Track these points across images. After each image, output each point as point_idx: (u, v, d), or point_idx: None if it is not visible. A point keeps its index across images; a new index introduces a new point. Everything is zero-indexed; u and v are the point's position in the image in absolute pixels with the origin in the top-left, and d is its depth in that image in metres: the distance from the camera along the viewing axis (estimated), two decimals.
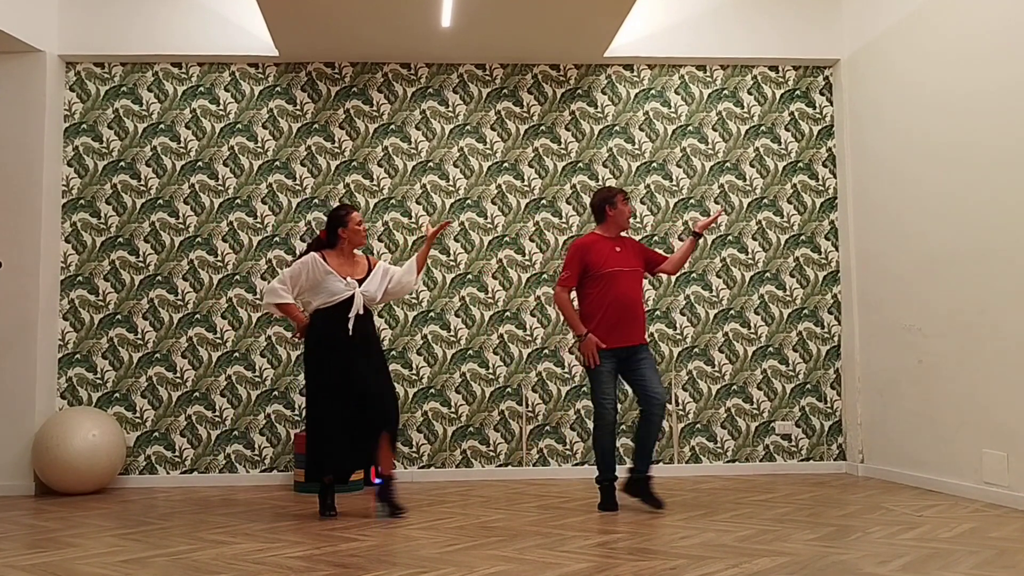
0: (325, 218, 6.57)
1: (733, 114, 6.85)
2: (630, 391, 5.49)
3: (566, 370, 6.61)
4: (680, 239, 6.62)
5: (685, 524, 4.60)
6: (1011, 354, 5.01)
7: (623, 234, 5.29)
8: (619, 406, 5.20)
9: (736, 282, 6.74)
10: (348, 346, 4.90)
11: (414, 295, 6.57)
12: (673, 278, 6.67)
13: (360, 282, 5.00)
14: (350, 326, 4.89)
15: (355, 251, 5.13)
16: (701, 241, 5.38)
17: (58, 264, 6.42)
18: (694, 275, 6.70)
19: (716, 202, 6.76)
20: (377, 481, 5.15)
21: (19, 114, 6.23)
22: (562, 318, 6.10)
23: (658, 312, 6.67)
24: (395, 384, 5.16)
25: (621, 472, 5.17)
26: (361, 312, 4.94)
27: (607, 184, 6.69)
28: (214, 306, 6.49)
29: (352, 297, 4.92)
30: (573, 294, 5.23)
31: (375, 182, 6.66)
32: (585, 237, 5.28)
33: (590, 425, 6.55)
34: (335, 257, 5.03)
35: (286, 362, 6.49)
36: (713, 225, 5.86)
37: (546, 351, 6.61)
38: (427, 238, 5.20)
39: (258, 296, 6.50)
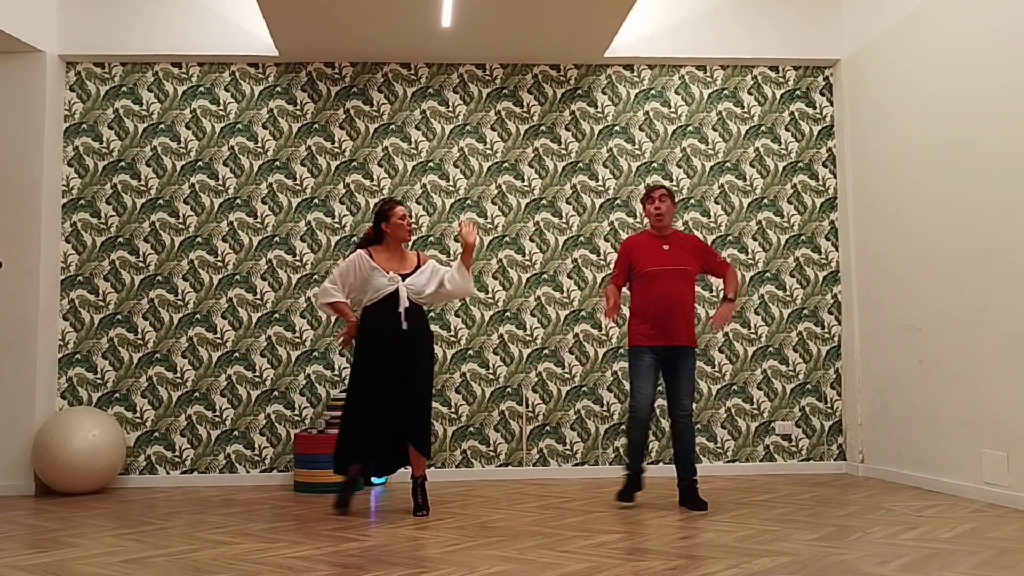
0: (325, 218, 6.60)
1: (733, 114, 6.85)
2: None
3: (566, 370, 6.61)
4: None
5: (685, 524, 4.60)
6: (1011, 354, 5.01)
7: (681, 231, 5.41)
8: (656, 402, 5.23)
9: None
10: (396, 343, 4.90)
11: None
12: None
13: (406, 277, 4.98)
14: (403, 322, 4.89)
15: (403, 246, 5.13)
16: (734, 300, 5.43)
17: (58, 264, 6.42)
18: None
19: (716, 202, 6.76)
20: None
21: (19, 114, 6.23)
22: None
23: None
24: (432, 391, 5.10)
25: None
26: (407, 306, 4.92)
27: (607, 184, 6.70)
28: (214, 306, 6.49)
29: (397, 292, 4.92)
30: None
31: (375, 182, 6.66)
32: (635, 236, 5.44)
33: (590, 425, 6.57)
34: (381, 253, 5.04)
35: (286, 362, 6.49)
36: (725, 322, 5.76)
37: (546, 351, 6.61)
38: (464, 243, 4.97)
39: (258, 296, 6.50)
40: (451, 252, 6.61)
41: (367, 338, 4.96)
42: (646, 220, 5.50)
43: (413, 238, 5.10)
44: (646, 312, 5.12)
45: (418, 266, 5.07)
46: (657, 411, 6.57)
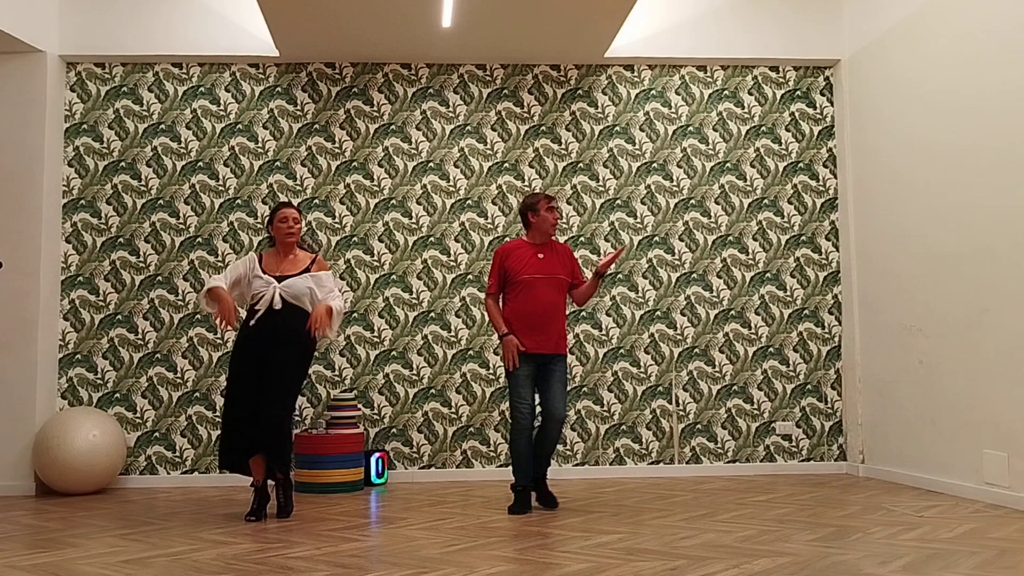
0: (326, 218, 6.60)
1: (734, 114, 6.85)
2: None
3: (566, 370, 6.60)
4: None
5: (686, 524, 4.60)
6: (1012, 354, 5.01)
7: (554, 240, 5.29)
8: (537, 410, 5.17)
9: (737, 282, 6.73)
10: (260, 344, 4.85)
11: (414, 296, 6.57)
12: (673, 278, 6.67)
13: (287, 278, 4.93)
14: (255, 319, 4.87)
15: (295, 249, 5.07)
16: (604, 280, 5.41)
17: (58, 264, 6.42)
18: (695, 275, 6.70)
19: (716, 202, 6.76)
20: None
21: (20, 114, 6.23)
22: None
23: (658, 312, 6.67)
24: (292, 396, 5.01)
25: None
26: (279, 307, 4.85)
27: (607, 185, 6.70)
28: None
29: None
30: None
31: (375, 182, 6.66)
32: (507, 244, 5.33)
33: (590, 425, 6.56)
34: (271, 256, 5.07)
35: None
36: (617, 261, 5.81)
37: None
38: (317, 313, 4.85)
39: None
40: (451, 253, 6.62)
41: (238, 338, 4.99)
42: (531, 227, 5.23)
43: (293, 240, 5.02)
44: (519, 319, 5.08)
45: (307, 270, 5.00)
46: (670, 414, 6.58)
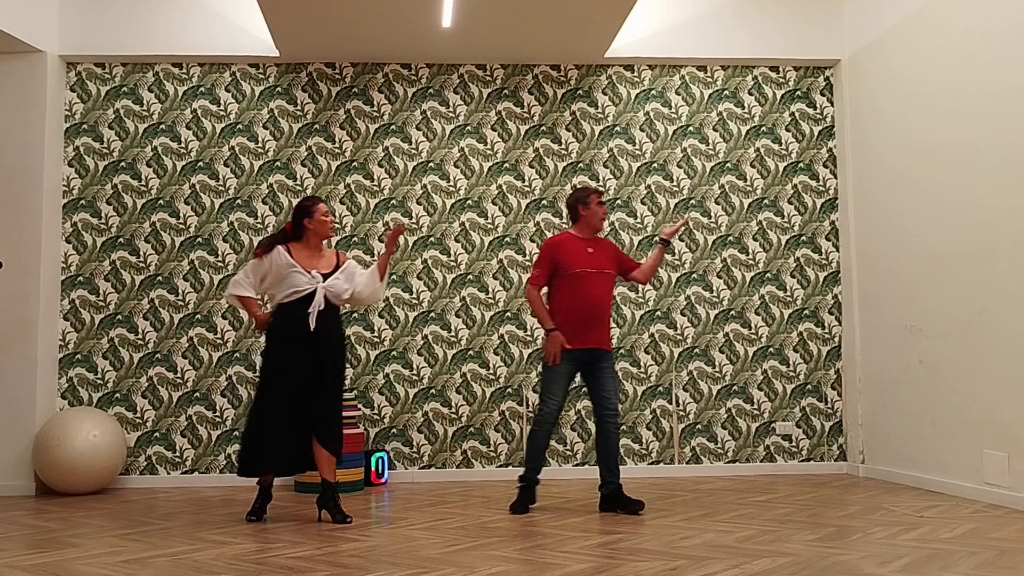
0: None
1: (734, 114, 6.85)
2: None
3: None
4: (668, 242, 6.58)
5: (686, 524, 4.60)
6: (1012, 354, 5.01)
7: (600, 235, 5.26)
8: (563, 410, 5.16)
9: (737, 282, 6.73)
10: (307, 343, 4.75)
11: (414, 296, 6.57)
12: (673, 278, 6.67)
13: (326, 277, 4.84)
14: (312, 321, 4.75)
15: (323, 244, 5.00)
16: (670, 247, 5.39)
17: (59, 264, 6.42)
18: (695, 275, 6.70)
19: (716, 202, 6.76)
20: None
21: (20, 114, 6.23)
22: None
23: (659, 312, 6.67)
24: (343, 391, 4.98)
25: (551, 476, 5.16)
26: (323, 307, 4.78)
27: (607, 185, 6.70)
28: (215, 306, 6.49)
29: (315, 292, 4.78)
30: (545, 291, 5.20)
31: (376, 182, 6.66)
32: (557, 236, 5.26)
33: (590, 425, 6.56)
34: (301, 250, 4.88)
35: None
36: (682, 230, 5.85)
37: None
38: (386, 245, 4.94)
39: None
40: (451, 253, 6.62)
41: (278, 337, 4.82)
42: (580, 220, 5.18)
43: (332, 235, 4.98)
44: (568, 314, 5.02)
45: (338, 266, 4.92)
46: (670, 414, 6.57)
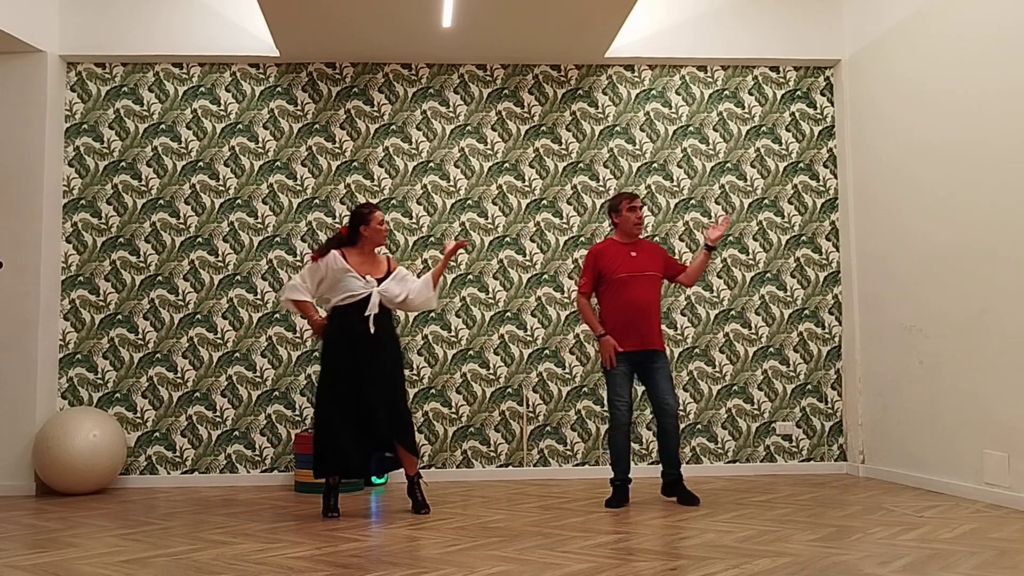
0: (326, 218, 6.59)
1: (734, 114, 6.85)
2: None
3: (567, 370, 6.61)
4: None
5: (686, 524, 4.60)
6: (1012, 354, 5.00)
7: (644, 238, 5.40)
8: (633, 407, 5.29)
9: (737, 283, 6.73)
10: (363, 345, 4.89)
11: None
12: None
13: (380, 281, 5.00)
14: (370, 324, 4.89)
15: (376, 250, 5.14)
16: (716, 251, 5.52)
17: (59, 264, 6.42)
18: None
19: (716, 202, 6.76)
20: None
21: (20, 114, 6.23)
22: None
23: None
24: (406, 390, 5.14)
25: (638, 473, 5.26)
26: (377, 311, 4.92)
27: (607, 185, 6.70)
28: (215, 306, 6.50)
29: (370, 296, 4.93)
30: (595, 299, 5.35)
31: (376, 182, 6.66)
32: (600, 243, 5.42)
33: (591, 426, 6.56)
34: (355, 255, 5.02)
35: (287, 362, 6.50)
36: (726, 231, 5.78)
37: (547, 351, 6.61)
38: (444, 256, 5.17)
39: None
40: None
41: (334, 340, 4.95)
42: (617, 227, 5.38)
43: (385, 242, 5.13)
44: (616, 318, 5.17)
45: (389, 271, 5.08)
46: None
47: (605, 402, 5.81)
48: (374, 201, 6.62)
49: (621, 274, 5.18)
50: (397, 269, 5.14)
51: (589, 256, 5.35)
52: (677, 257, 6.69)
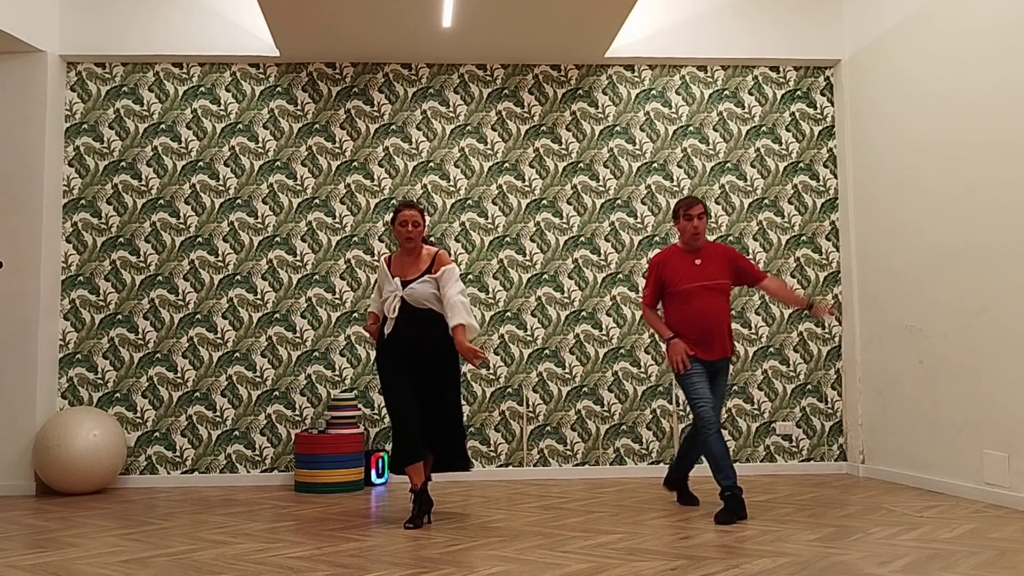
0: (326, 218, 6.60)
1: (734, 114, 6.85)
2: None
3: (567, 370, 6.61)
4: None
5: (686, 524, 4.60)
6: (1012, 354, 5.00)
7: (715, 239, 5.18)
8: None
9: None
10: (406, 347, 4.73)
11: None
12: None
13: (411, 282, 4.76)
14: (387, 328, 4.78)
15: (421, 249, 4.84)
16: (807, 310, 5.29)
17: (59, 264, 6.42)
18: None
19: (716, 202, 6.76)
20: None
21: (20, 114, 6.24)
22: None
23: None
24: (459, 400, 4.93)
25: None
26: (395, 314, 4.74)
27: (607, 185, 6.71)
28: (215, 306, 6.49)
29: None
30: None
31: (376, 182, 6.66)
32: (663, 252, 5.16)
33: (591, 426, 6.56)
34: (400, 256, 4.90)
35: (287, 362, 6.49)
36: (821, 317, 5.57)
37: (547, 351, 6.61)
38: (465, 356, 4.68)
39: (259, 296, 6.51)
40: (451, 253, 6.61)
41: (379, 343, 4.87)
42: (677, 235, 5.16)
43: (412, 246, 4.82)
44: (682, 330, 4.92)
45: (427, 271, 4.77)
46: (670, 414, 6.58)
47: (686, 405, 5.52)
48: (374, 201, 6.62)
49: (684, 285, 4.91)
50: (441, 270, 4.75)
51: (651, 266, 5.09)
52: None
